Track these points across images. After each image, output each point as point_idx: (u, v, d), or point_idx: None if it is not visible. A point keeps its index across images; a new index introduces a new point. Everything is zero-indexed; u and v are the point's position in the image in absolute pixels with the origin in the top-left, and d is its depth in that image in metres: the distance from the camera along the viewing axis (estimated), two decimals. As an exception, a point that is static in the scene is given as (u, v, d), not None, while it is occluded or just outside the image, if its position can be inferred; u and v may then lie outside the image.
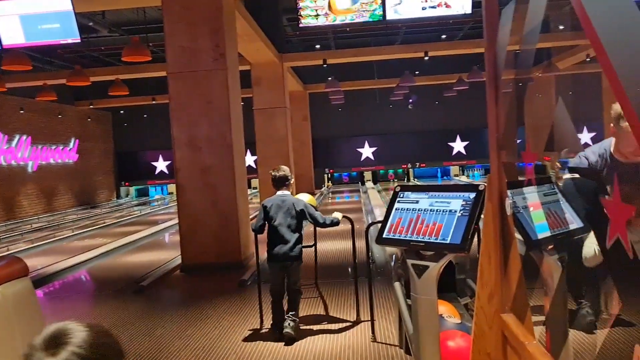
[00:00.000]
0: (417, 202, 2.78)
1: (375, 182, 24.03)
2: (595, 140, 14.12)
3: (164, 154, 24.26)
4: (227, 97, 7.65)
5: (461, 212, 2.54)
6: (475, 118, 22.15)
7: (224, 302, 5.91)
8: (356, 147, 24.83)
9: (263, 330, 4.85)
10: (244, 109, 8.75)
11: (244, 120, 8.44)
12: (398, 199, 2.89)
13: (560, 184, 2.61)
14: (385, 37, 16.62)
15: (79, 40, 8.72)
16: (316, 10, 9.55)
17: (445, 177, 24.78)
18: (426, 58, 14.35)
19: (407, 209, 2.79)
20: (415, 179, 24.72)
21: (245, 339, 4.68)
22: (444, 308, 3.59)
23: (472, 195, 2.57)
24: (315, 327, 4.82)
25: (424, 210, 2.70)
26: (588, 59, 15.26)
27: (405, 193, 2.88)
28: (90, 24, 12.92)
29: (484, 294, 2.15)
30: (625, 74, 1.11)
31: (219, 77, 7.64)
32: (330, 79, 17.13)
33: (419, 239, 2.62)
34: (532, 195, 2.13)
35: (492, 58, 2.06)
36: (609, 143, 3.30)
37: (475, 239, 2.78)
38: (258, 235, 4.86)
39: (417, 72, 18.92)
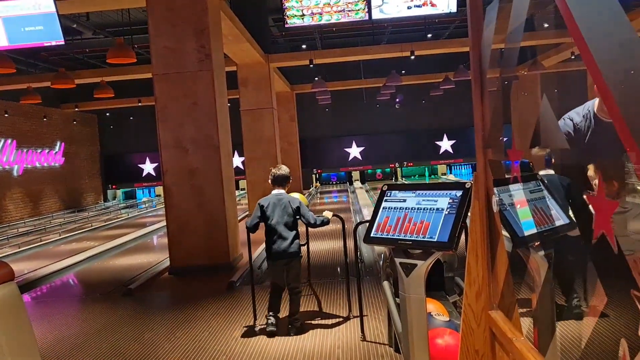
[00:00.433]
0: (404, 200, 2.78)
1: (363, 182, 24.07)
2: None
3: (151, 156, 24.14)
4: (213, 98, 7.62)
5: (448, 210, 2.55)
6: (461, 117, 22.30)
7: (213, 304, 5.89)
8: (344, 147, 24.86)
9: (253, 330, 4.84)
10: (231, 110, 8.72)
11: (230, 121, 8.41)
12: (385, 198, 2.89)
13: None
14: (372, 37, 16.66)
15: (63, 43, 8.65)
16: (302, 10, 9.54)
17: (432, 176, 24.89)
18: (412, 57, 14.39)
19: (395, 208, 2.79)
20: (403, 178, 24.80)
21: (235, 340, 4.67)
22: (433, 306, 3.60)
23: (459, 193, 2.58)
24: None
25: (411, 209, 2.71)
26: (573, 57, 15.38)
27: (393, 192, 2.89)
28: (74, 25, 12.83)
29: (472, 292, 2.16)
30: (607, 70, 1.12)
31: (204, 78, 7.61)
32: (317, 79, 17.15)
33: (407, 238, 2.63)
34: (518, 193, 2.15)
35: (478, 57, 2.07)
36: (592, 104, 3.34)
37: (463, 236, 2.79)
38: (251, 235, 4.86)
39: (403, 72, 19.00)
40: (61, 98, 21.06)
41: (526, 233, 2.06)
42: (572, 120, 3.44)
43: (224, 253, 7.60)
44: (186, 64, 7.60)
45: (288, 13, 9.60)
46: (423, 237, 2.57)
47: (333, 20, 9.61)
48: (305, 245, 5.57)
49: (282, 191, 4.80)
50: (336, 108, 23.42)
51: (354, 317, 4.89)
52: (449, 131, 24.42)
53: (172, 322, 5.37)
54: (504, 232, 2.08)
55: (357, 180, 24.56)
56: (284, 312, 4.92)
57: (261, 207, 4.72)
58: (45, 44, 8.81)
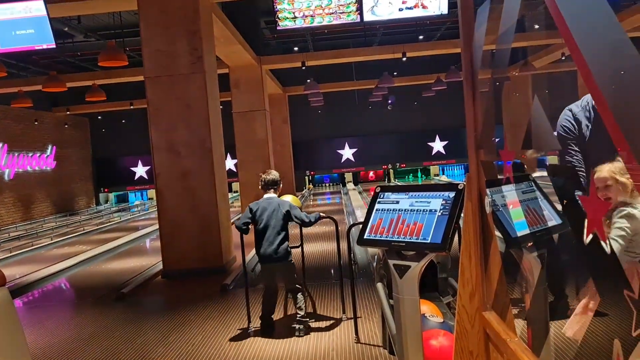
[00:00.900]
0: (397, 202, 2.78)
1: (356, 183, 24.09)
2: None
3: (143, 159, 24.06)
4: (205, 101, 7.60)
5: (441, 211, 2.56)
6: (454, 118, 22.38)
7: (207, 308, 5.87)
8: (336, 149, 24.87)
9: (247, 333, 4.83)
10: (223, 113, 8.71)
11: (223, 123, 8.39)
12: (378, 199, 2.89)
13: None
14: (363, 39, 16.69)
15: (54, 46, 8.61)
16: (294, 12, 9.54)
17: (423, 177, 24.94)
18: (404, 59, 14.42)
19: (388, 210, 2.79)
20: (396, 180, 24.83)
21: (229, 343, 4.66)
22: (427, 307, 3.61)
23: (452, 194, 2.58)
24: (298, 327, 4.80)
25: (405, 211, 2.71)
26: (563, 57, 15.48)
27: (386, 194, 2.89)
28: (66, 29, 12.77)
29: (466, 293, 2.16)
30: (598, 70, 1.13)
31: (197, 81, 7.59)
32: (309, 81, 17.14)
33: (400, 239, 2.62)
34: (510, 193, 2.15)
35: (469, 58, 2.07)
36: (590, 97, 3.36)
37: (456, 237, 2.79)
38: (244, 237, 4.87)
39: (395, 73, 19.02)
40: (52, 101, 20.96)
41: (519, 234, 2.06)
42: (571, 110, 3.47)
43: (217, 256, 7.58)
44: (178, 67, 7.58)
45: (280, 15, 9.59)
46: (416, 239, 2.57)
47: (325, 23, 9.61)
48: (300, 247, 5.55)
49: (273, 195, 4.83)
50: (328, 110, 23.43)
51: (348, 319, 4.89)
52: (441, 132, 24.49)
53: (165, 326, 5.34)
54: (497, 233, 2.08)
55: (350, 181, 24.57)
56: (278, 314, 4.92)
57: (250, 210, 4.74)
58: (37, 48, 8.76)
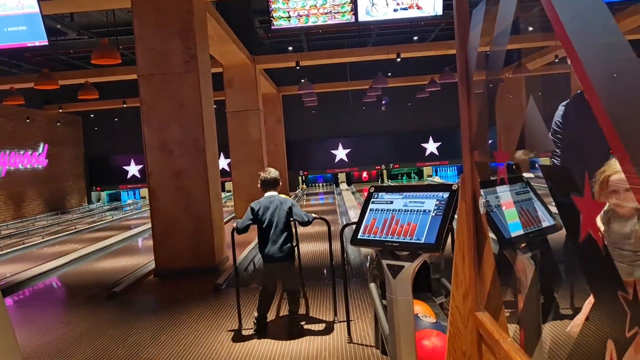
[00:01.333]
0: (391, 202, 2.78)
1: (349, 184, 24.10)
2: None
3: (136, 158, 23.97)
4: (199, 100, 7.58)
5: (435, 212, 2.56)
6: (447, 119, 22.43)
7: (199, 307, 5.85)
8: (330, 149, 24.87)
9: (239, 334, 4.81)
10: (217, 112, 8.69)
11: (216, 122, 8.37)
12: (372, 199, 2.89)
13: None
14: (358, 39, 16.69)
15: (47, 43, 8.56)
16: (288, 12, 9.53)
17: (415, 178, 24.98)
18: (398, 60, 14.44)
19: (382, 210, 2.79)
20: (390, 180, 24.86)
21: (221, 343, 4.64)
22: (420, 308, 3.61)
23: (446, 195, 2.58)
24: (292, 329, 4.80)
25: (398, 211, 2.71)
26: (557, 60, 15.55)
27: (380, 194, 2.89)
28: (59, 26, 12.69)
29: (459, 293, 2.16)
30: (594, 72, 1.13)
31: (190, 80, 7.57)
32: (303, 81, 17.14)
33: (394, 240, 2.62)
34: (504, 194, 2.15)
35: (464, 59, 2.08)
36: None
37: (450, 238, 2.79)
38: (235, 238, 4.84)
39: (389, 74, 19.04)
40: (45, 99, 20.84)
41: (513, 234, 2.07)
42: (564, 107, 3.49)
43: (209, 255, 7.56)
44: (172, 65, 7.55)
45: (274, 15, 9.58)
46: (410, 239, 2.57)
47: (319, 22, 9.61)
48: (296, 247, 5.53)
49: (274, 193, 4.79)
50: (322, 110, 23.43)
51: (340, 321, 4.88)
52: (435, 133, 24.54)
53: (157, 326, 5.32)
54: (491, 234, 2.08)
55: (344, 182, 24.58)
56: (271, 315, 4.91)
57: (252, 209, 4.70)
58: (29, 45, 8.71)
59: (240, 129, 13.90)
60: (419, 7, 9.21)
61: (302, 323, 4.84)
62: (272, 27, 9.75)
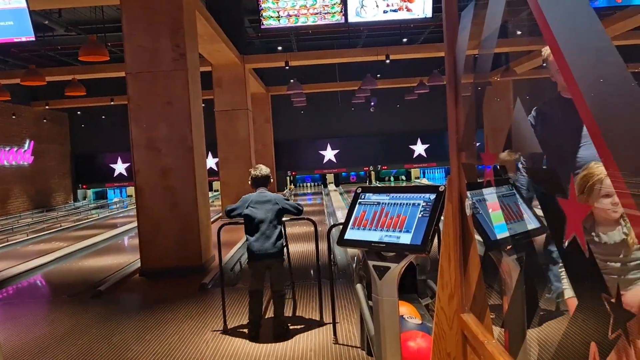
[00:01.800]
0: (378, 204, 2.79)
1: (337, 185, 24.12)
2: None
3: (123, 156, 23.82)
4: (187, 98, 7.55)
5: (422, 213, 2.56)
6: (435, 121, 22.49)
7: (184, 307, 5.83)
8: (318, 150, 24.87)
9: (225, 334, 4.80)
10: (205, 111, 8.65)
11: (205, 121, 8.34)
12: (359, 200, 2.89)
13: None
14: (347, 40, 16.73)
15: (34, 39, 8.50)
16: (278, 12, 9.53)
17: (402, 181, 25.05)
18: (388, 61, 14.48)
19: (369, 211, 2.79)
20: (377, 182, 24.91)
21: (206, 343, 4.63)
22: (405, 309, 3.62)
23: (433, 196, 2.59)
24: (277, 330, 4.79)
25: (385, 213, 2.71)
26: (544, 64, 15.64)
27: (367, 194, 2.89)
28: (46, 22, 12.60)
29: (444, 295, 2.17)
30: (582, 75, 1.14)
31: (179, 78, 7.53)
32: (292, 81, 17.13)
33: (380, 240, 2.63)
34: (491, 197, 2.16)
35: (452, 62, 2.08)
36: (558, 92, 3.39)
37: (436, 240, 2.80)
38: (221, 237, 4.81)
39: (378, 75, 19.10)
40: (31, 95, 20.65)
41: (498, 236, 2.08)
42: (535, 110, 3.49)
43: (196, 255, 7.53)
44: (160, 63, 7.51)
45: (264, 14, 9.57)
46: (396, 240, 2.57)
47: (309, 23, 9.62)
48: (286, 247, 5.51)
49: (266, 190, 4.75)
50: (311, 110, 23.43)
51: (326, 323, 4.87)
52: (423, 135, 24.61)
53: (142, 325, 5.29)
54: (477, 236, 2.09)
55: (332, 182, 24.60)
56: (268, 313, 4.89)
57: (244, 201, 4.64)
58: (16, 40, 8.63)
59: (229, 129, 13.86)
60: (408, 9, 9.25)
61: (288, 323, 4.83)
62: (262, 27, 9.75)
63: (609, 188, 2.02)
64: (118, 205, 21.61)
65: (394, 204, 2.68)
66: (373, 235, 2.68)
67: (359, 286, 4.01)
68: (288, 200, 4.78)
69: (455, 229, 2.11)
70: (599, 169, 2.07)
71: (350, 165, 24.93)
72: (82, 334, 5.12)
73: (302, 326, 4.88)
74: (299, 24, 9.61)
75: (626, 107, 1.06)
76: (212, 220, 9.41)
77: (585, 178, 2.15)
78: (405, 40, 17.15)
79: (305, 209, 5.28)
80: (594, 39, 1.15)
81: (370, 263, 2.66)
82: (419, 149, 24.90)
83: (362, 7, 9.17)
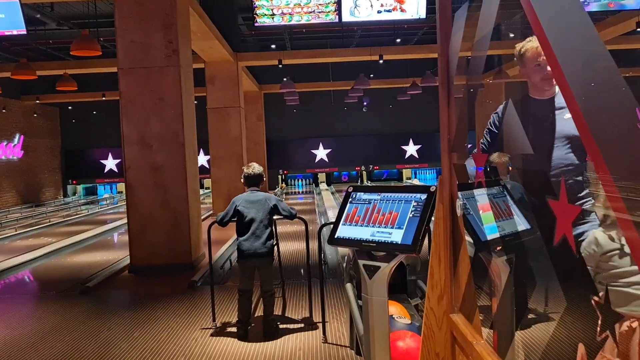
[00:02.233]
0: (369, 203, 2.79)
1: (329, 184, 24.12)
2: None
3: (114, 152, 23.69)
4: (179, 95, 7.52)
5: (412, 213, 2.56)
6: (428, 122, 22.58)
7: (173, 304, 5.80)
8: (311, 149, 24.86)
9: (213, 331, 4.78)
10: (197, 108, 8.62)
11: (197, 119, 8.31)
12: (350, 199, 2.89)
13: None
14: (341, 40, 16.73)
15: (25, 32, 8.43)
16: (272, 10, 9.51)
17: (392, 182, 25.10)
18: (381, 61, 14.49)
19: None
20: (369, 182, 24.93)
21: (195, 341, 4.61)
22: (395, 309, 3.62)
23: (424, 196, 2.59)
24: (267, 329, 4.78)
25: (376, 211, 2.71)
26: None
27: (358, 194, 2.89)
28: (38, 15, 12.50)
29: (434, 295, 2.17)
30: (575, 78, 1.14)
31: (171, 74, 7.50)
32: (285, 79, 17.11)
33: (370, 239, 2.63)
34: (482, 197, 2.17)
35: (445, 63, 2.09)
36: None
37: (426, 240, 2.81)
38: (211, 235, 4.80)
39: (371, 75, 19.11)
40: (22, 89, 20.49)
41: (488, 237, 2.08)
42: (497, 113, 3.45)
43: (186, 252, 7.50)
44: (153, 59, 7.48)
45: (258, 12, 9.55)
46: (388, 237, 2.57)
47: (303, 21, 9.61)
48: (276, 246, 5.49)
49: (257, 188, 4.74)
50: (304, 109, 23.41)
51: (316, 322, 4.87)
52: (415, 136, 24.66)
53: (131, 322, 5.27)
54: (467, 237, 2.09)
55: (323, 182, 24.60)
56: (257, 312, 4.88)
57: (235, 204, 4.64)
58: (7, 33, 8.56)
59: (221, 126, 13.83)
60: (402, 10, 9.26)
61: (278, 323, 4.82)
62: (256, 25, 9.73)
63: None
64: (108, 202, 21.51)
65: (386, 200, 2.69)
66: (364, 232, 2.68)
67: (348, 285, 4.01)
68: (281, 200, 4.76)
69: (446, 229, 2.11)
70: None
71: (342, 165, 24.94)
72: (70, 330, 5.09)
73: (292, 325, 4.87)
74: (293, 22, 9.60)
75: (618, 111, 1.07)
76: (202, 217, 9.39)
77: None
78: (398, 40, 17.18)
79: (296, 208, 5.27)
80: (587, 42, 1.15)
81: (361, 262, 2.66)
82: (411, 149, 24.95)
83: (355, 6, 9.17)
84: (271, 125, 22.38)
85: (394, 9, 9.25)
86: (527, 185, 2.67)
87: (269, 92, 21.19)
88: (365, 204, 2.78)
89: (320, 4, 9.27)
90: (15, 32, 8.43)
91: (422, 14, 9.32)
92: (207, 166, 17.94)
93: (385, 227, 2.60)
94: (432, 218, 2.34)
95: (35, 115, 21.80)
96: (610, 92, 1.08)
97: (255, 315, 5.14)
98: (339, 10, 9.21)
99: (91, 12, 11.93)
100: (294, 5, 9.38)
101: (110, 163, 24.38)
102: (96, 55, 10.51)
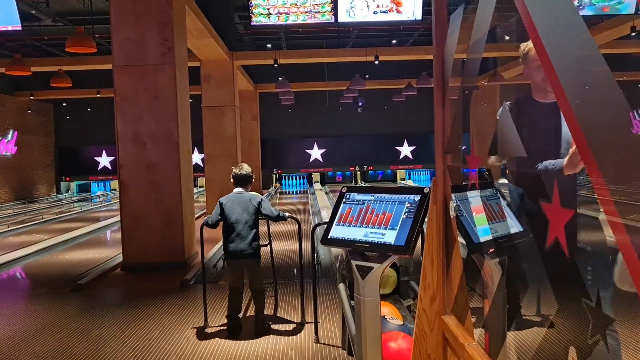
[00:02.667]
0: (362, 203, 2.79)
1: (323, 184, 24.13)
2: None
3: (108, 149, 23.62)
4: (174, 93, 7.50)
5: (406, 214, 2.57)
6: (422, 123, 22.63)
7: (166, 302, 5.79)
8: (305, 149, 24.85)
9: (205, 330, 4.77)
10: (192, 106, 8.60)
11: (192, 117, 8.29)
12: (344, 200, 2.89)
13: None
14: (337, 40, 16.74)
15: (20, 28, 8.39)
16: (268, 9, 9.50)
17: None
18: (376, 62, 14.51)
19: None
20: (363, 182, 24.95)
21: (187, 339, 4.60)
22: (387, 309, 3.62)
23: (417, 197, 2.59)
24: (258, 328, 4.78)
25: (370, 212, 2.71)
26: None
27: (352, 194, 2.89)
28: (33, 12, 12.44)
29: (426, 296, 2.17)
30: (568, 82, 1.14)
31: (166, 72, 7.48)
32: (280, 79, 17.10)
33: (364, 240, 2.63)
34: (475, 199, 2.17)
35: (440, 65, 2.09)
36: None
37: (420, 241, 2.81)
38: (204, 234, 4.79)
39: (367, 76, 19.12)
40: (16, 85, 20.39)
41: (481, 239, 2.09)
42: (507, 104, 3.43)
43: (179, 250, 7.49)
44: (148, 57, 7.46)
45: (254, 11, 9.54)
46: (381, 237, 2.57)
47: (299, 21, 9.61)
48: (268, 246, 5.49)
49: (242, 189, 4.75)
50: (299, 109, 23.41)
51: (308, 322, 4.86)
52: (409, 137, 24.70)
53: (122, 320, 5.25)
54: (460, 238, 2.10)
55: (317, 182, 24.59)
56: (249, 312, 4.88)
57: (221, 205, 4.65)
58: (1, 29, 8.52)
59: (216, 125, 13.81)
60: (398, 11, 9.27)
61: (270, 322, 4.82)
62: (252, 24, 9.72)
63: None
64: (101, 199, 21.43)
65: (380, 201, 2.69)
66: (357, 233, 2.68)
67: (341, 286, 4.01)
68: (267, 201, 4.76)
69: (439, 231, 2.11)
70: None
71: (337, 165, 24.95)
72: (61, 328, 5.07)
73: (284, 325, 4.87)
74: (289, 22, 9.59)
75: (611, 114, 1.07)
76: (196, 216, 9.37)
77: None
78: (394, 41, 17.19)
79: (290, 207, 5.26)
80: (581, 47, 1.16)
81: (354, 263, 2.66)
82: (406, 150, 24.98)
83: (352, 7, 9.18)
84: (266, 124, 22.37)
85: (390, 10, 9.26)
86: (532, 191, 2.65)
87: (264, 92, 21.16)
88: (358, 204, 2.78)
89: (316, 4, 9.27)
90: (10, 28, 8.39)
91: (418, 15, 9.34)
92: (201, 164, 17.91)
93: (378, 228, 2.60)
94: (426, 219, 2.34)
95: (29, 112, 21.70)
96: (604, 95, 1.09)
97: (247, 315, 5.14)
98: (335, 11, 9.21)
99: (86, 8, 11.88)
100: (291, 4, 9.38)
101: (104, 160, 24.30)
102: (91, 52, 10.47)
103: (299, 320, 4.90)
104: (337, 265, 4.95)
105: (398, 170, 25.20)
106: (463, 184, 2.18)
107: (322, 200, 16.53)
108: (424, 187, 2.58)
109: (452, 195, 2.05)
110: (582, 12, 8.77)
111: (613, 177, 1.03)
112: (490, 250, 2.10)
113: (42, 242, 10.08)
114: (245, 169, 4.82)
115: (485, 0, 1.78)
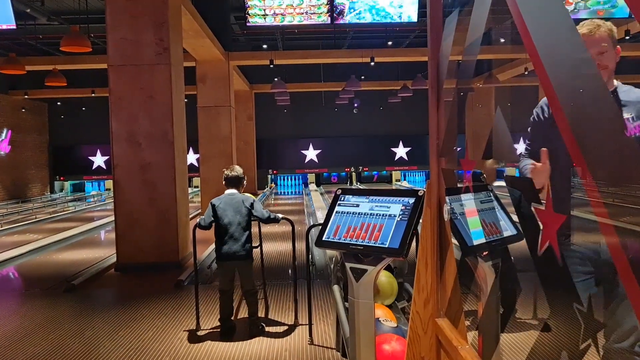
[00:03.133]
0: (357, 205, 2.79)
1: (318, 185, 24.13)
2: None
3: (102, 149, 23.56)
4: (169, 93, 7.49)
5: (400, 216, 2.57)
6: (418, 125, 22.67)
7: (159, 303, 5.77)
8: (300, 149, 24.85)
9: (199, 332, 4.76)
10: (188, 106, 8.59)
11: (187, 117, 8.28)
12: (339, 202, 2.89)
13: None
14: (333, 41, 16.75)
15: (15, 27, 8.36)
16: (264, 10, 9.50)
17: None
18: (372, 63, 14.52)
19: (348, 213, 2.79)
20: (358, 183, 24.97)
21: (180, 340, 4.59)
22: (381, 312, 3.63)
23: (412, 200, 2.59)
24: (252, 329, 4.77)
25: (364, 214, 2.71)
26: (526, 72, 15.85)
27: (346, 196, 2.89)
28: (28, 10, 12.41)
29: (420, 299, 2.17)
30: (560, 85, 1.15)
31: (162, 72, 7.47)
32: (276, 79, 17.09)
33: (358, 243, 2.63)
34: (469, 202, 2.18)
35: (436, 67, 2.09)
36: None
37: (414, 243, 2.81)
38: (197, 235, 4.78)
39: (363, 77, 19.15)
40: (10, 84, 20.31)
41: (475, 242, 2.09)
42: (542, 109, 3.40)
43: (173, 251, 7.47)
44: (143, 57, 7.44)
45: (250, 12, 9.54)
46: (374, 243, 2.57)
47: (295, 22, 9.61)
48: (259, 247, 5.48)
49: (235, 191, 4.75)
50: (295, 110, 23.41)
51: (302, 324, 4.86)
52: (405, 138, 24.74)
53: (115, 320, 5.23)
54: (454, 241, 2.10)
55: (313, 182, 24.59)
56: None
57: (213, 206, 4.64)
58: (-5, 27, 8.49)
59: (211, 125, 13.79)
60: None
61: (263, 323, 4.81)
62: (248, 24, 9.72)
63: None
64: (96, 199, 21.36)
65: (371, 214, 2.67)
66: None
67: (335, 287, 4.01)
68: (258, 202, 4.75)
69: (433, 233, 2.12)
70: None
71: (332, 166, 24.96)
72: (54, 328, 5.05)
73: (278, 326, 4.86)
74: (285, 23, 9.60)
75: (601, 117, 1.07)
76: (191, 216, 9.35)
77: None
78: (390, 43, 17.21)
79: (285, 208, 5.26)
80: (573, 50, 1.16)
81: (348, 265, 2.66)
82: (401, 151, 25.02)
83: (347, 8, 9.18)
84: (261, 125, 22.35)
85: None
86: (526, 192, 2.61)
87: (260, 92, 21.15)
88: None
89: (312, 5, 9.27)
90: (4, 27, 8.36)
91: (414, 17, 9.36)
92: (196, 165, 17.89)
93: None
94: (420, 221, 2.34)
95: (24, 111, 21.62)
96: (595, 99, 1.09)
97: (240, 317, 5.13)
98: (331, 12, 9.22)
99: (82, 7, 11.86)
100: (287, 6, 9.38)
101: (99, 160, 24.24)
102: (86, 52, 10.45)
103: (293, 322, 4.90)
104: (332, 266, 4.95)
105: (393, 172, 25.23)
106: (458, 186, 2.18)
107: (318, 201, 16.52)
108: (418, 190, 2.58)
109: (447, 199, 2.05)
110: (576, 16, 8.81)
111: (604, 179, 1.04)
112: (484, 253, 2.10)
113: (35, 242, 10.04)
114: (236, 170, 4.81)
115: (480, 2, 1.78)
